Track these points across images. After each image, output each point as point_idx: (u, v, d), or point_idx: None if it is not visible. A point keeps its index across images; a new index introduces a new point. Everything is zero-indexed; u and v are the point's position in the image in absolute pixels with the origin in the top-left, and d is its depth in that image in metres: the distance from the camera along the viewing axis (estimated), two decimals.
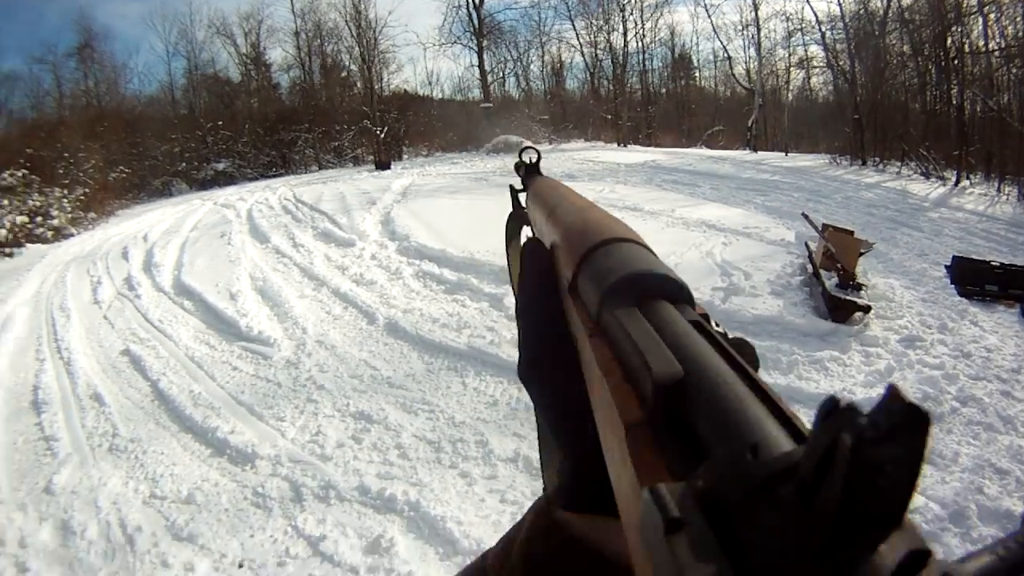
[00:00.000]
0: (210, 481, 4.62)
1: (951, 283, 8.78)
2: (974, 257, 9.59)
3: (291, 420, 5.38)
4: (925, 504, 4.39)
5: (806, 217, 8.39)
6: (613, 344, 0.39)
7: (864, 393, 5.62)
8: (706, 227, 10.05)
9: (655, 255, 0.48)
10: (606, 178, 15.88)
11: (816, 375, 5.89)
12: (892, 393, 0.19)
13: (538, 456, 0.79)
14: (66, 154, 23.75)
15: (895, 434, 0.19)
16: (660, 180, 15.36)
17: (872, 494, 0.19)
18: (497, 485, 4.37)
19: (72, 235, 19.01)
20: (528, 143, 9.05)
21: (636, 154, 23.27)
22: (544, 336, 0.52)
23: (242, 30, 36.55)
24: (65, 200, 21.03)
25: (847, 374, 5.97)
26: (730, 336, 0.42)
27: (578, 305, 0.47)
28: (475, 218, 11.67)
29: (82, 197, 22.01)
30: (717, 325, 0.43)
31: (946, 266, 9.14)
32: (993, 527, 4.34)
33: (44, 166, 22.37)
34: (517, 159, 1.23)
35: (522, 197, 1.06)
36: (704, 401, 0.29)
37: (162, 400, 5.98)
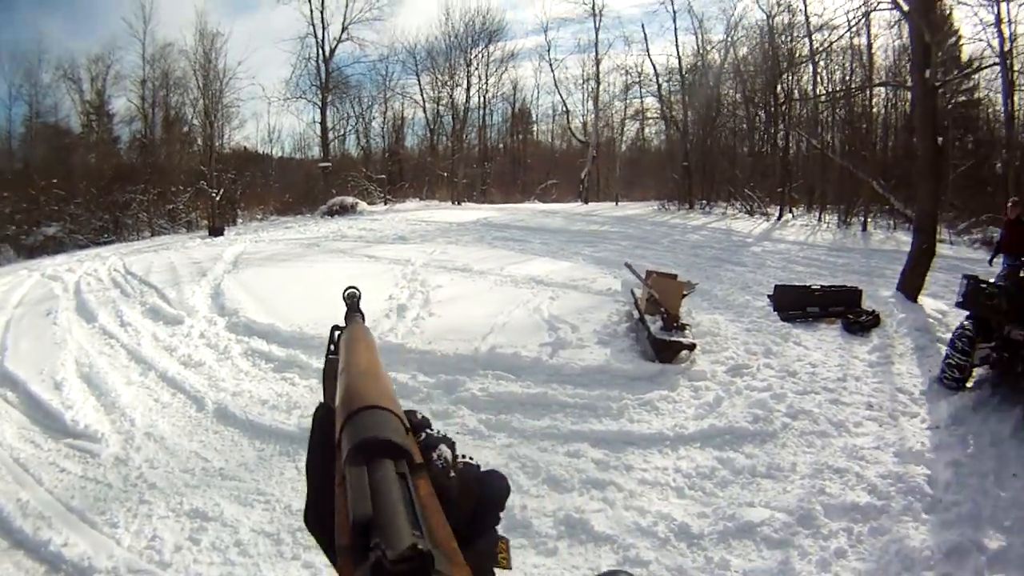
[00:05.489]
0: None
1: (774, 310, 9.35)
2: (795, 284, 10.35)
3: (125, 525, 5.06)
4: (771, 516, 4.73)
5: (629, 267, 8.76)
6: (347, 492, 0.56)
7: (696, 426, 5.98)
8: (534, 283, 10.27)
9: (398, 418, 0.67)
10: (437, 239, 15.99)
11: (648, 416, 6.22)
12: None
13: None
14: None
15: None
16: (492, 238, 15.68)
17: None
18: None
19: None
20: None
21: (470, 212, 23.70)
22: (320, 488, 0.68)
23: (89, 74, 33.36)
24: None
25: (677, 410, 6.35)
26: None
27: (339, 460, 0.63)
28: (305, 288, 11.52)
29: None
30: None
31: (768, 295, 9.69)
32: (842, 521, 4.85)
33: None
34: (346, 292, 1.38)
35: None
36: (382, 529, 0.48)
37: None
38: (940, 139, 11.53)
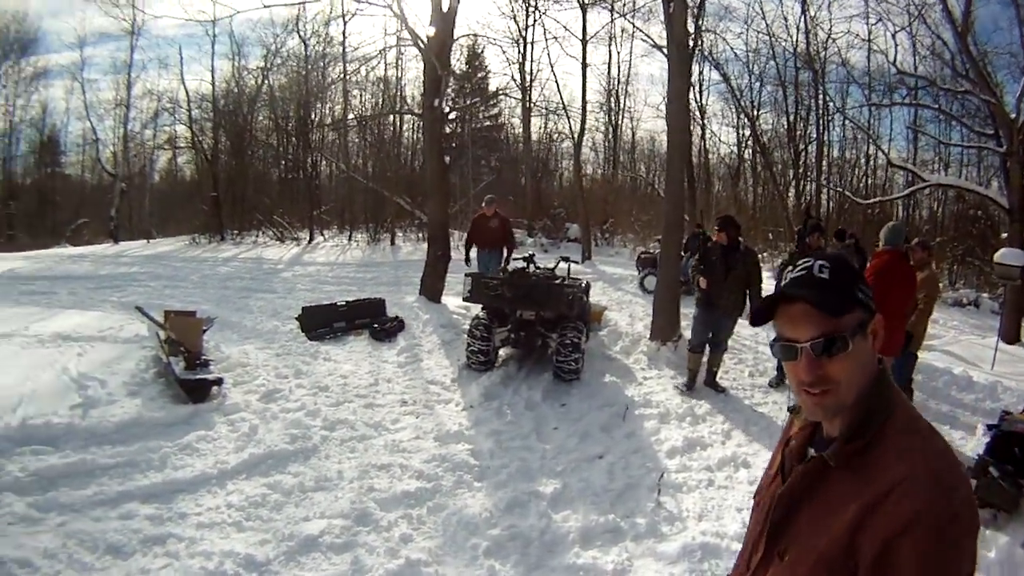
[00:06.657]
0: None
1: (302, 331, 9.87)
2: (323, 303, 10.99)
3: None
4: (329, 524, 4.90)
5: (141, 310, 8.45)
6: None
7: (237, 458, 5.96)
8: (61, 339, 9.16)
9: None
10: None
11: (189, 459, 5.96)
12: None
13: None
14: None
15: None
16: (18, 293, 13.49)
17: None
18: None
19: None
20: None
21: None
22: None
23: None
24: None
25: (218, 447, 6.22)
26: None
27: None
28: None
29: None
30: None
31: (296, 317, 10.09)
32: (398, 510, 5.19)
33: None
34: None
35: None
36: None
37: None
38: (448, 158, 12.78)
